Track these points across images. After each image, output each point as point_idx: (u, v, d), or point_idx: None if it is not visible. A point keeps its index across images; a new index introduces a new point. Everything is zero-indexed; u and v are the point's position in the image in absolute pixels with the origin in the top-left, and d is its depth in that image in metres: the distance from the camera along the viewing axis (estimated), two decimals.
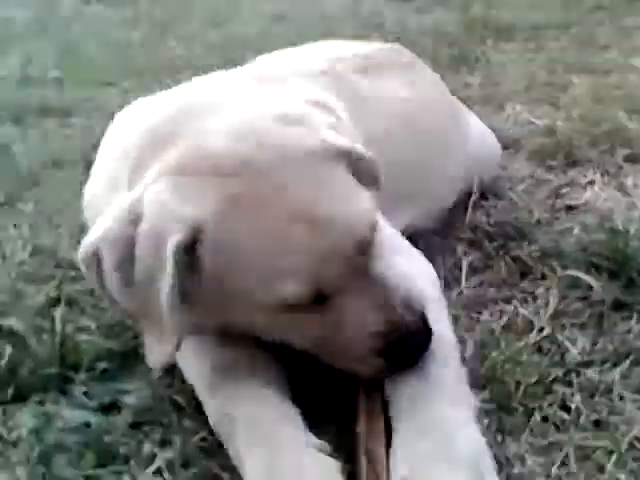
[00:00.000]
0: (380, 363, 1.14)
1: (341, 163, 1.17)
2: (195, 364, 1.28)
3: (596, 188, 2.10)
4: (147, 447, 1.20)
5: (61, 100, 3.42)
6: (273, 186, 1.09)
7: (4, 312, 1.59)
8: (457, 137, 1.91)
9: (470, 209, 1.88)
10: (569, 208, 1.98)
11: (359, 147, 1.22)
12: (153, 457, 1.18)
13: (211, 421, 1.19)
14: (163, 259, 1.07)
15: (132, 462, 1.17)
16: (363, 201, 1.17)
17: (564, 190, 2.09)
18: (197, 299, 1.12)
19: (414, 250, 1.43)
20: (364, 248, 1.14)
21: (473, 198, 1.90)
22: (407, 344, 1.13)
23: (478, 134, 2.06)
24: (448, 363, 1.17)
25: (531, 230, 1.81)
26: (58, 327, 1.47)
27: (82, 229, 1.97)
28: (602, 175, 2.18)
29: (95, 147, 2.55)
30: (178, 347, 1.16)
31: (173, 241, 1.07)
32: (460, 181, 1.92)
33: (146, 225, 1.10)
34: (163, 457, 1.17)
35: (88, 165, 2.47)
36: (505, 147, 2.34)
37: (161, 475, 1.15)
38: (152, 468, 1.16)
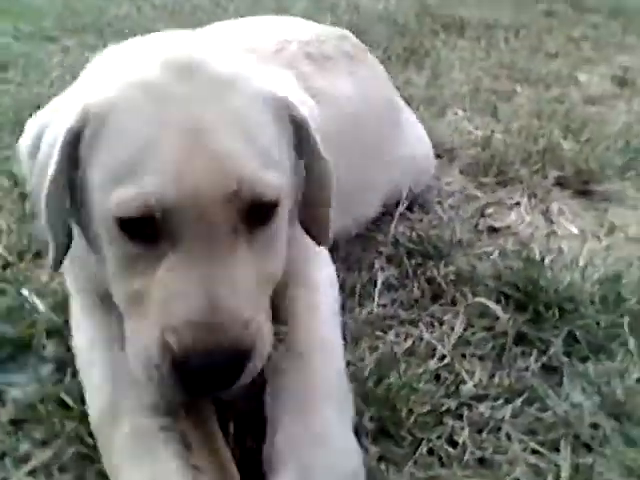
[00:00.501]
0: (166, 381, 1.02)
1: (273, 113, 1.11)
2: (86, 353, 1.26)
3: (522, 210, 2.15)
4: (24, 446, 1.19)
5: None
6: (175, 99, 1.04)
7: None
8: (394, 143, 1.91)
9: (395, 222, 1.89)
10: (492, 230, 2.02)
11: (303, 109, 1.16)
12: (29, 457, 1.17)
13: (92, 423, 1.17)
14: (55, 147, 1.06)
15: (6, 459, 1.17)
16: (268, 167, 1.05)
17: (490, 210, 2.13)
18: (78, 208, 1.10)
19: (320, 250, 1.41)
20: (231, 210, 1.02)
21: (400, 210, 1.92)
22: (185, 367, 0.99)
23: (415, 142, 2.08)
24: (329, 365, 1.19)
25: (451, 251, 1.83)
26: None
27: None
28: (529, 198, 2.23)
29: (27, 106, 2.53)
30: (56, 265, 1.15)
31: (64, 126, 1.06)
32: (389, 189, 1.93)
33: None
34: (40, 458, 1.17)
35: (15, 126, 2.46)
36: (439, 156, 2.37)
37: (35, 477, 1.15)
38: (26, 468, 1.16)
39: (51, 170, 1.05)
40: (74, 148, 1.06)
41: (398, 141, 1.93)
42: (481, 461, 1.23)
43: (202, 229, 1.00)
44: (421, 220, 2.04)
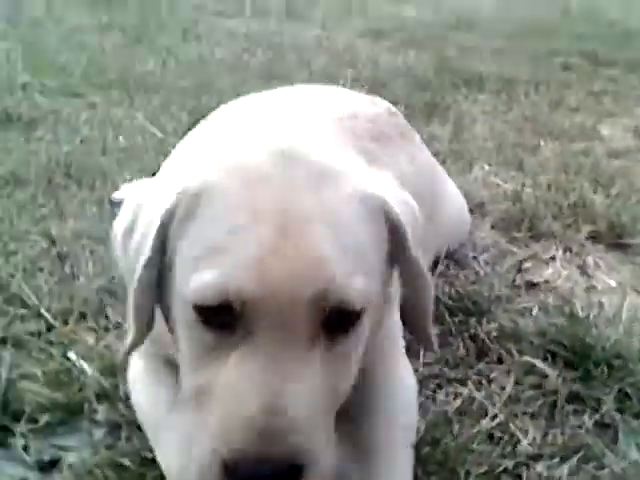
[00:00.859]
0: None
1: (369, 213, 1.08)
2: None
3: (557, 265, 2.18)
4: None
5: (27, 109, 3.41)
6: (272, 189, 1.03)
7: None
8: (440, 211, 1.93)
9: (435, 280, 1.92)
10: (530, 285, 2.05)
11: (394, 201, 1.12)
12: None
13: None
14: (151, 228, 1.06)
15: None
16: (357, 272, 1.01)
17: (526, 265, 2.16)
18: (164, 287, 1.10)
19: (402, 357, 1.40)
20: (313, 313, 0.98)
21: (440, 269, 1.95)
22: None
23: (453, 203, 2.12)
24: None
25: (491, 307, 1.86)
26: (4, 373, 1.47)
27: (36, 262, 2.01)
28: (564, 251, 2.26)
29: (58, 165, 2.59)
30: (132, 348, 1.15)
31: (161, 207, 1.06)
32: (435, 252, 1.96)
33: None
34: None
35: (49, 185, 2.52)
36: (471, 210, 2.40)
37: None
38: None
39: (147, 250, 1.06)
40: (167, 229, 1.06)
41: (442, 207, 1.97)
42: None
43: (279, 327, 0.97)
44: (457, 276, 2.06)
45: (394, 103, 2.06)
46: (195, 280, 0.99)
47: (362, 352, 1.11)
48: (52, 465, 1.32)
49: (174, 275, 1.06)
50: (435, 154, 2.48)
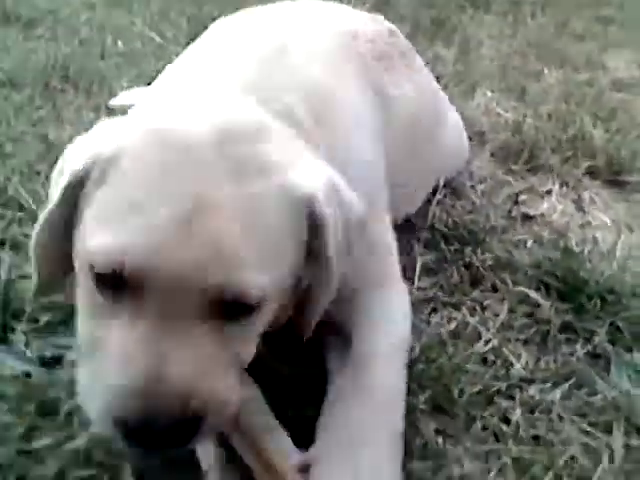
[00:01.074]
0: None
1: (291, 209, 1.05)
2: None
3: (554, 199, 2.21)
4: None
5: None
6: (195, 167, 0.99)
7: None
8: (440, 136, 1.95)
9: (433, 209, 1.95)
10: (525, 217, 2.08)
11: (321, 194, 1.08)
12: None
13: None
14: (61, 184, 1.05)
15: (75, 419, 1.20)
16: (260, 268, 0.99)
17: (522, 197, 2.18)
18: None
19: (397, 281, 1.44)
20: (204, 298, 0.96)
21: (438, 197, 1.98)
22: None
23: (454, 131, 2.13)
24: (381, 414, 1.18)
25: (486, 237, 1.89)
26: (3, 274, 1.49)
27: (33, 166, 2.02)
28: (561, 186, 2.29)
29: (55, 68, 2.57)
30: (37, 291, 1.19)
31: (72, 169, 1.04)
32: (434, 179, 1.99)
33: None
34: None
35: (46, 88, 2.51)
36: (470, 138, 2.42)
37: None
38: None
39: (52, 203, 1.06)
40: (77, 189, 1.04)
41: (442, 133, 1.97)
42: (535, 438, 1.29)
43: (167, 305, 0.95)
44: (454, 205, 2.09)
45: (398, 21, 2.04)
46: (90, 243, 0.99)
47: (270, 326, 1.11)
48: (55, 362, 1.35)
49: (79, 232, 1.04)
50: (438, 76, 2.49)
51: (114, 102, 2.44)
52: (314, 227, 1.07)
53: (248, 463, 1.11)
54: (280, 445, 1.14)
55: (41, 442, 1.15)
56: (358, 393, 1.20)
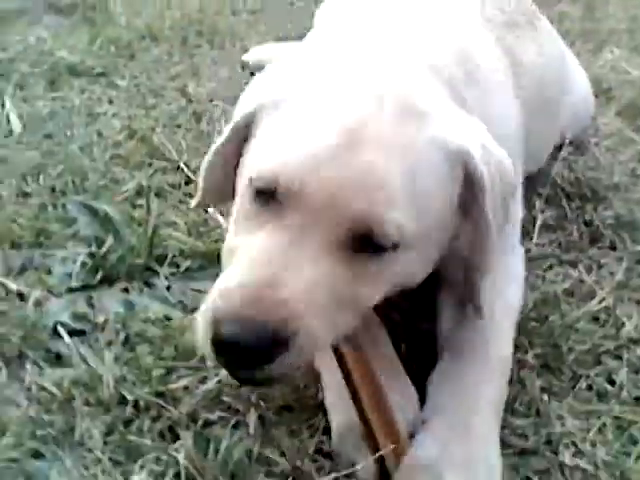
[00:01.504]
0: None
1: (444, 162, 1.09)
2: None
3: None
4: None
5: None
6: (353, 111, 1.06)
7: (99, 195, 1.74)
8: (566, 98, 1.92)
9: (557, 165, 1.95)
10: None
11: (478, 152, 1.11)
12: None
13: None
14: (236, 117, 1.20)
15: (208, 362, 1.29)
16: (403, 209, 1.02)
17: None
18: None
19: (518, 246, 1.47)
20: (345, 228, 1.01)
21: (562, 154, 1.97)
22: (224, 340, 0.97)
23: (579, 89, 2.10)
24: (492, 383, 1.22)
25: (608, 194, 1.88)
26: (151, 220, 1.61)
27: (174, 118, 2.14)
28: None
29: (191, 22, 2.69)
30: (199, 203, 1.35)
31: (240, 112, 1.18)
32: (559, 137, 1.97)
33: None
34: None
35: (183, 44, 2.63)
36: (596, 95, 2.37)
37: None
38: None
39: (225, 133, 1.20)
40: (247, 128, 1.16)
41: (569, 92, 1.95)
42: (637, 400, 1.31)
43: (309, 226, 1.00)
44: (577, 161, 2.07)
45: None
46: (253, 162, 1.11)
47: (404, 279, 1.12)
48: (193, 307, 1.42)
49: (245, 158, 1.16)
50: (564, 34, 2.43)
51: (247, 57, 2.53)
52: (469, 182, 1.11)
53: (364, 406, 1.14)
54: (404, 400, 1.18)
55: (177, 384, 1.26)
56: (472, 361, 1.23)
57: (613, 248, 1.71)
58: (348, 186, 0.99)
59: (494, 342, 1.27)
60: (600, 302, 1.52)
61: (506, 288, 1.37)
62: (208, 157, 1.24)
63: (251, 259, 1.01)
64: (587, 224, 1.78)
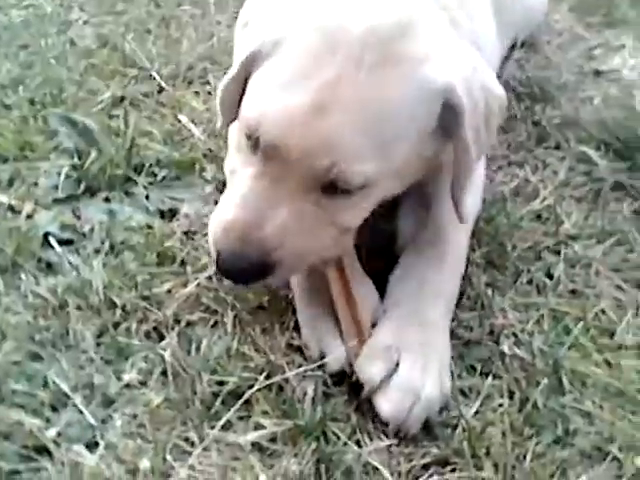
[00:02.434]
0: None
1: (426, 100, 1.13)
2: None
3: (626, 54, 2.19)
4: (201, 255, 1.41)
5: None
6: (335, 62, 1.09)
7: (77, 106, 1.77)
8: None
9: (509, 66, 1.99)
10: (596, 73, 2.09)
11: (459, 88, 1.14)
12: (206, 266, 1.38)
13: None
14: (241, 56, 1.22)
15: (188, 267, 1.38)
16: (374, 158, 1.10)
17: (596, 52, 2.19)
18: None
19: (482, 161, 1.48)
20: (317, 176, 1.10)
21: (515, 55, 2.02)
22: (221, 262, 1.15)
23: None
24: (446, 279, 1.31)
25: (556, 94, 1.94)
26: (129, 131, 1.64)
27: (146, 24, 2.13)
28: (634, 40, 2.26)
29: None
30: (222, 127, 1.36)
31: (246, 51, 1.20)
32: (512, 37, 1.98)
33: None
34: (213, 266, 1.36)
35: None
36: None
37: (211, 281, 1.36)
38: (204, 274, 1.37)
39: (233, 70, 1.23)
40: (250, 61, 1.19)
41: None
42: (573, 292, 1.41)
43: (287, 171, 1.10)
44: (529, 60, 2.12)
45: None
46: (246, 105, 1.18)
47: (379, 202, 1.21)
48: (171, 214, 1.51)
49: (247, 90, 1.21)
50: None
51: None
52: (449, 109, 1.15)
53: (335, 303, 1.25)
54: (368, 297, 1.28)
55: (160, 288, 1.34)
56: (430, 259, 1.31)
57: (557, 147, 1.78)
58: (316, 145, 1.07)
59: (451, 243, 1.35)
60: (543, 201, 1.60)
61: (470, 193, 1.41)
62: (220, 89, 1.27)
63: (241, 197, 1.14)
64: (535, 124, 1.85)
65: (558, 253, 1.49)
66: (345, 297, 1.24)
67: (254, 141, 1.13)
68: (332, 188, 1.11)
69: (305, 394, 1.16)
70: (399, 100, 1.11)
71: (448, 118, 1.15)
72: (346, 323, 1.23)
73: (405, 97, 1.11)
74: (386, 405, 1.14)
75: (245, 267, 1.13)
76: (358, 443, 1.12)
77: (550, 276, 1.44)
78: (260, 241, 1.11)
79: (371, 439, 1.13)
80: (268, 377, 1.18)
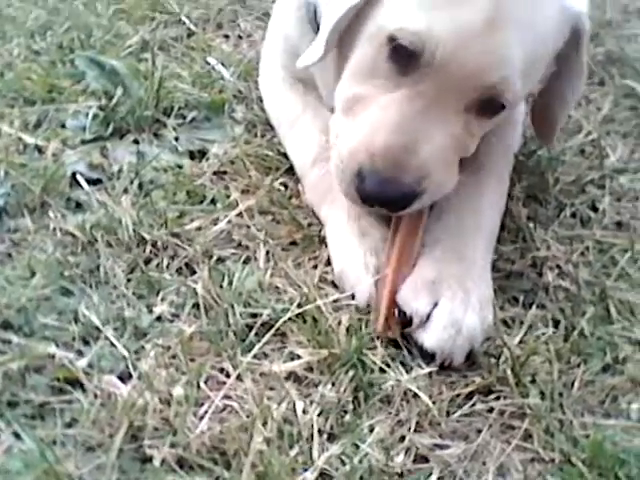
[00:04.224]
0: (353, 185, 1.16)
1: (563, 26, 1.18)
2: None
3: None
4: (232, 193, 1.39)
5: None
6: None
7: (105, 50, 1.75)
8: None
9: None
10: None
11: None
12: (236, 204, 1.37)
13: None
14: None
15: (218, 205, 1.37)
16: (525, 76, 1.13)
17: None
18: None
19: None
20: (478, 93, 1.12)
21: None
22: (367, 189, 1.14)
23: None
24: (487, 214, 1.29)
25: (601, 31, 1.89)
26: (157, 72, 1.62)
27: None
28: None
29: None
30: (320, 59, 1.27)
31: None
32: None
33: None
34: (245, 204, 1.36)
35: None
36: None
37: (242, 218, 1.35)
38: (235, 211, 1.35)
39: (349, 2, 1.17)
40: None
41: None
42: (619, 224, 1.38)
43: (447, 90, 1.10)
44: None
45: None
46: (399, 15, 1.11)
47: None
48: (200, 155, 1.50)
49: (377, 13, 1.16)
50: None
51: None
52: (575, 39, 1.21)
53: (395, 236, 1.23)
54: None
55: (191, 225, 1.32)
56: (470, 195, 1.28)
57: (602, 84, 1.73)
58: (490, 60, 1.08)
59: (491, 177, 1.33)
60: (586, 135, 1.56)
61: (505, 134, 1.41)
62: (336, 19, 1.19)
63: (393, 121, 1.11)
64: None
65: (603, 187, 1.46)
66: (412, 234, 1.22)
67: (411, 59, 1.09)
68: (483, 109, 1.14)
69: (339, 323, 1.13)
70: (549, 21, 1.14)
71: (570, 43, 1.20)
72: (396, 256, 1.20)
73: (552, 19, 1.15)
74: (430, 338, 1.11)
75: (397, 194, 1.12)
76: (396, 371, 1.09)
77: (595, 209, 1.41)
78: (417, 168, 1.11)
79: (409, 368, 1.10)
80: (301, 308, 1.16)
